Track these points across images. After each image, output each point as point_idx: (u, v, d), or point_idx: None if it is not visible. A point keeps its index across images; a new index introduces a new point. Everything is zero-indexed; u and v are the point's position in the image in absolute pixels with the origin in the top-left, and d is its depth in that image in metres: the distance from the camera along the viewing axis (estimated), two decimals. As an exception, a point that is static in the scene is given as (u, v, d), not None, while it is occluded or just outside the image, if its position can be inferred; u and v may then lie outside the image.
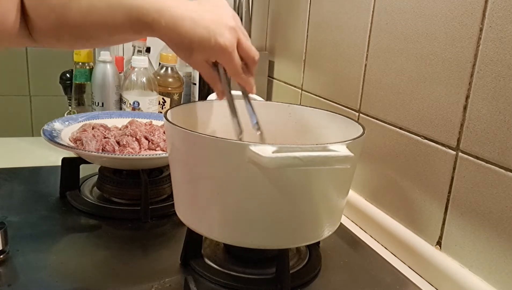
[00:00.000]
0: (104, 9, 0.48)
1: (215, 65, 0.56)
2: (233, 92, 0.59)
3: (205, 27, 0.50)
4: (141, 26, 0.49)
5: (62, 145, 0.71)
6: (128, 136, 0.79)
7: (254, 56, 0.55)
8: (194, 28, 0.49)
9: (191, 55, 0.52)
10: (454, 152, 0.58)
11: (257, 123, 0.61)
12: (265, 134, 0.62)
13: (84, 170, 0.80)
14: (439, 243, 0.62)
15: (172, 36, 0.50)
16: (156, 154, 0.75)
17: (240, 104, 0.61)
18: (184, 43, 0.50)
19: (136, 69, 1.01)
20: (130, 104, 1.01)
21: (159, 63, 1.15)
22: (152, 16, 0.48)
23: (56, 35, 0.51)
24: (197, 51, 0.51)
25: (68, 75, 1.10)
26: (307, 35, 0.96)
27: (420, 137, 0.64)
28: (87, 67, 1.04)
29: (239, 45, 0.53)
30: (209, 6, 0.53)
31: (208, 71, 0.56)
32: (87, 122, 0.85)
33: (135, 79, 1.01)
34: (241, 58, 0.54)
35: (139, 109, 1.01)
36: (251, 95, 0.62)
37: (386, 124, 0.71)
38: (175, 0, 0.51)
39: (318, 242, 0.65)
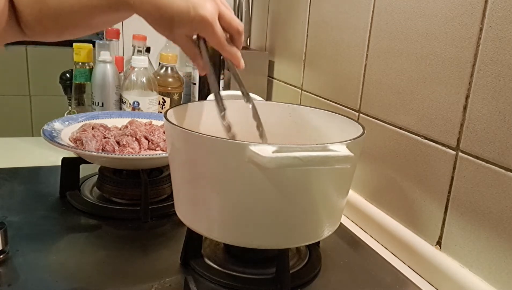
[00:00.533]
0: None
1: (198, 39, 0.55)
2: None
3: None
4: (119, 3, 0.49)
5: (62, 145, 0.71)
6: (128, 136, 0.79)
7: (237, 27, 0.53)
8: (173, 1, 0.48)
9: (171, 29, 0.51)
10: (454, 152, 0.58)
11: (247, 94, 0.59)
12: (267, 134, 0.62)
13: (84, 170, 0.80)
14: (439, 243, 0.62)
15: (150, 11, 0.49)
16: (156, 154, 0.75)
17: (242, 104, 0.60)
18: (163, 17, 0.49)
19: (136, 69, 1.01)
20: (130, 104, 1.01)
21: (159, 63, 1.15)
22: None
23: (41, 24, 0.51)
24: (177, 25, 0.50)
25: (68, 75, 1.10)
26: (307, 35, 0.96)
27: (420, 137, 0.64)
28: (87, 67, 1.04)
29: (220, 17, 0.52)
30: None
31: (189, 46, 0.55)
32: (87, 122, 0.85)
33: (135, 79, 1.01)
34: (224, 30, 0.53)
35: (139, 109, 1.01)
36: (252, 95, 0.62)
37: (386, 124, 0.71)
38: None
39: (318, 242, 0.65)
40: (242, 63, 0.57)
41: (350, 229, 0.74)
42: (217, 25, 0.51)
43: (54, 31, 0.53)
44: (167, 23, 0.50)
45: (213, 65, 0.57)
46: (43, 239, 0.64)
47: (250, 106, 0.59)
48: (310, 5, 0.94)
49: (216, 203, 0.51)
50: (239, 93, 0.61)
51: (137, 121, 0.85)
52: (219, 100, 0.57)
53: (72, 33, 0.55)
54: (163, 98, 1.10)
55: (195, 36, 0.55)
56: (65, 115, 0.99)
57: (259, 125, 0.61)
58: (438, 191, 0.61)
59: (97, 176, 0.79)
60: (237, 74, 0.59)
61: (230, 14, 0.53)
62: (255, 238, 0.52)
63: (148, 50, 1.20)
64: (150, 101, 1.02)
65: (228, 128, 0.56)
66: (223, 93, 0.66)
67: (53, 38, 0.54)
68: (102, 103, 1.02)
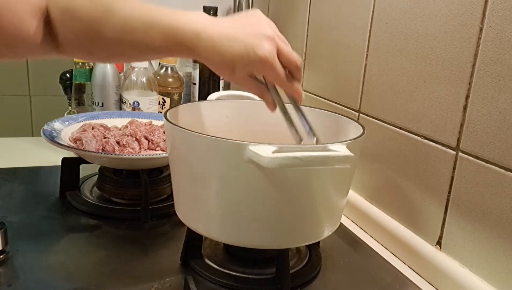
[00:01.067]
0: (139, 29, 0.47)
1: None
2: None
3: (241, 41, 0.48)
4: (179, 48, 0.48)
5: (62, 145, 0.71)
6: (128, 136, 0.79)
7: (296, 62, 0.52)
8: (232, 45, 0.48)
9: (233, 72, 0.50)
10: (454, 152, 0.58)
11: (310, 129, 0.57)
12: (267, 134, 0.61)
13: (84, 170, 0.80)
14: (439, 243, 0.62)
15: (211, 57, 0.49)
16: (156, 154, 0.75)
17: (242, 104, 0.60)
18: (225, 62, 0.49)
19: (136, 69, 1.01)
20: (130, 104, 1.01)
21: (159, 63, 1.15)
22: (190, 38, 0.48)
23: (88, 50, 0.50)
24: (238, 67, 0.50)
25: (68, 75, 1.10)
26: (307, 35, 0.96)
27: (420, 137, 0.64)
28: (87, 67, 1.04)
29: (279, 53, 0.51)
30: (244, 19, 0.51)
31: (254, 85, 0.54)
32: (87, 122, 0.85)
33: (135, 79, 1.01)
34: (283, 66, 0.52)
35: (139, 109, 1.01)
36: (251, 95, 0.62)
37: (386, 124, 0.71)
38: (210, 18, 0.50)
39: (318, 242, 0.65)
40: (303, 96, 0.56)
41: (350, 229, 0.74)
42: (277, 64, 0.50)
43: (101, 57, 0.52)
44: (228, 67, 0.50)
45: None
46: (43, 239, 0.64)
47: (315, 140, 0.57)
48: (310, 5, 0.94)
49: (216, 203, 0.51)
50: (239, 93, 0.61)
51: (137, 121, 0.86)
52: (294, 132, 0.56)
53: (119, 61, 0.54)
54: (163, 98, 1.10)
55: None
56: (65, 115, 0.99)
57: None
58: (438, 191, 0.61)
59: (97, 176, 0.79)
60: (300, 109, 0.58)
61: (288, 50, 0.52)
62: (255, 238, 0.52)
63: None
64: (150, 101, 1.02)
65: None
66: (225, 93, 0.66)
67: (97, 62, 0.53)
68: (102, 103, 1.02)
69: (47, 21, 0.48)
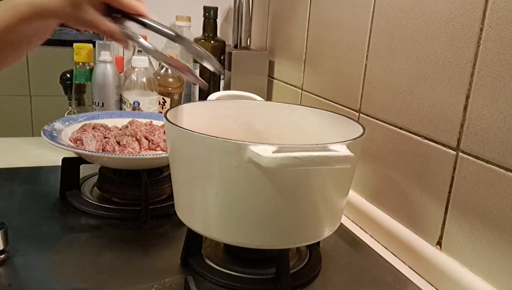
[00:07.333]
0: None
1: (110, 16, 0.53)
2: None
3: None
4: (33, 11, 0.48)
5: (62, 145, 0.71)
6: (128, 136, 0.79)
7: None
8: None
9: (78, 9, 0.49)
10: (454, 152, 0.58)
11: (165, 31, 0.55)
12: (266, 134, 0.61)
13: (84, 170, 0.80)
14: (439, 243, 0.62)
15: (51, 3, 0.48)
16: (156, 154, 0.75)
17: (243, 104, 0.59)
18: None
19: (136, 69, 1.01)
20: (130, 104, 1.01)
21: (159, 63, 1.15)
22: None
23: None
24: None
25: (68, 75, 1.10)
26: (307, 35, 0.96)
27: (420, 137, 0.64)
28: (87, 67, 1.04)
29: None
30: None
31: (104, 24, 0.52)
32: (87, 122, 0.85)
33: (135, 79, 1.01)
34: None
35: (139, 109, 1.01)
36: (252, 95, 0.62)
37: (386, 124, 0.71)
38: None
39: (318, 242, 0.65)
40: (145, 9, 0.54)
41: (350, 229, 0.74)
42: None
43: None
44: (68, 2, 0.49)
45: None
46: (43, 239, 0.64)
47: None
48: (310, 5, 0.94)
49: (216, 203, 0.51)
50: (239, 93, 0.61)
51: (137, 121, 0.85)
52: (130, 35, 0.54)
53: None
54: (163, 98, 1.10)
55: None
56: (65, 115, 0.99)
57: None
58: (439, 191, 0.61)
59: (97, 176, 0.79)
60: (147, 22, 0.55)
61: None
62: (255, 238, 0.52)
63: (148, 50, 1.19)
64: (150, 101, 1.02)
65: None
66: (225, 93, 0.65)
67: None
68: (103, 103, 1.02)
69: None
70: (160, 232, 0.69)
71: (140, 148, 0.79)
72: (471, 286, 0.55)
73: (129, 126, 0.83)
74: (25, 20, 0.50)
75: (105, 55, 1.00)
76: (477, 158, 0.55)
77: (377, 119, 0.73)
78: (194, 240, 0.59)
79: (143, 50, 0.53)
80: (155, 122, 0.89)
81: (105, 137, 0.79)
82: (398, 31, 0.68)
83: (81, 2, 0.50)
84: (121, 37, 0.54)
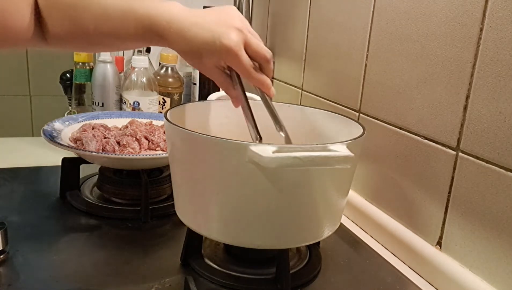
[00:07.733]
0: (117, 18, 0.50)
1: (230, 70, 0.56)
2: (248, 94, 0.58)
3: (209, 30, 0.50)
4: (152, 35, 0.51)
5: (62, 145, 0.71)
6: (128, 136, 0.79)
7: (265, 55, 0.53)
8: (200, 32, 0.50)
9: (200, 60, 0.52)
10: (454, 152, 0.58)
11: (279, 125, 0.58)
12: (266, 134, 0.61)
13: (84, 170, 0.80)
14: (439, 243, 0.62)
15: (180, 43, 0.51)
16: (156, 154, 0.75)
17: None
18: (192, 49, 0.51)
19: (136, 69, 1.01)
20: (130, 104, 1.01)
21: (159, 63, 1.15)
22: (163, 26, 0.50)
23: (71, 40, 0.52)
24: (205, 55, 0.51)
25: (68, 75, 1.10)
26: (307, 35, 0.96)
27: (420, 137, 0.64)
28: (87, 67, 1.04)
29: (247, 45, 0.52)
30: (217, 11, 0.53)
31: (220, 77, 0.56)
32: (87, 122, 0.85)
33: (135, 79, 1.01)
34: (252, 59, 0.53)
35: (139, 109, 1.01)
36: (251, 95, 0.62)
37: (386, 124, 0.71)
38: (185, 9, 0.52)
39: (318, 242, 0.65)
40: (273, 90, 0.57)
41: (350, 229, 0.74)
42: (243, 54, 0.52)
43: (81, 46, 0.57)
44: (195, 54, 0.52)
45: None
46: (43, 239, 0.64)
47: (283, 135, 0.58)
48: (310, 5, 0.94)
49: (216, 203, 0.51)
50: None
51: (137, 121, 0.86)
52: (253, 129, 0.57)
53: (98, 50, 0.59)
54: (163, 98, 1.10)
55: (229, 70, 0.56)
56: (65, 115, 0.99)
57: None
58: (438, 191, 0.61)
59: (97, 176, 0.79)
60: (269, 104, 0.58)
61: (256, 42, 0.53)
62: (255, 238, 0.52)
63: (148, 50, 1.20)
64: (150, 101, 1.02)
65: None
66: (225, 93, 0.65)
67: (78, 51, 0.57)
68: (102, 103, 1.02)
69: (37, 11, 0.50)
70: (160, 232, 0.69)
71: (140, 148, 0.79)
72: (471, 286, 0.55)
73: (129, 126, 0.83)
74: (143, 43, 0.56)
75: (105, 55, 1.00)
76: (477, 158, 0.55)
77: (377, 119, 0.73)
78: (194, 240, 0.59)
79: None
80: (155, 122, 0.89)
81: (105, 137, 0.79)
82: (398, 31, 0.68)
83: (204, 63, 0.53)
84: (243, 105, 0.57)
